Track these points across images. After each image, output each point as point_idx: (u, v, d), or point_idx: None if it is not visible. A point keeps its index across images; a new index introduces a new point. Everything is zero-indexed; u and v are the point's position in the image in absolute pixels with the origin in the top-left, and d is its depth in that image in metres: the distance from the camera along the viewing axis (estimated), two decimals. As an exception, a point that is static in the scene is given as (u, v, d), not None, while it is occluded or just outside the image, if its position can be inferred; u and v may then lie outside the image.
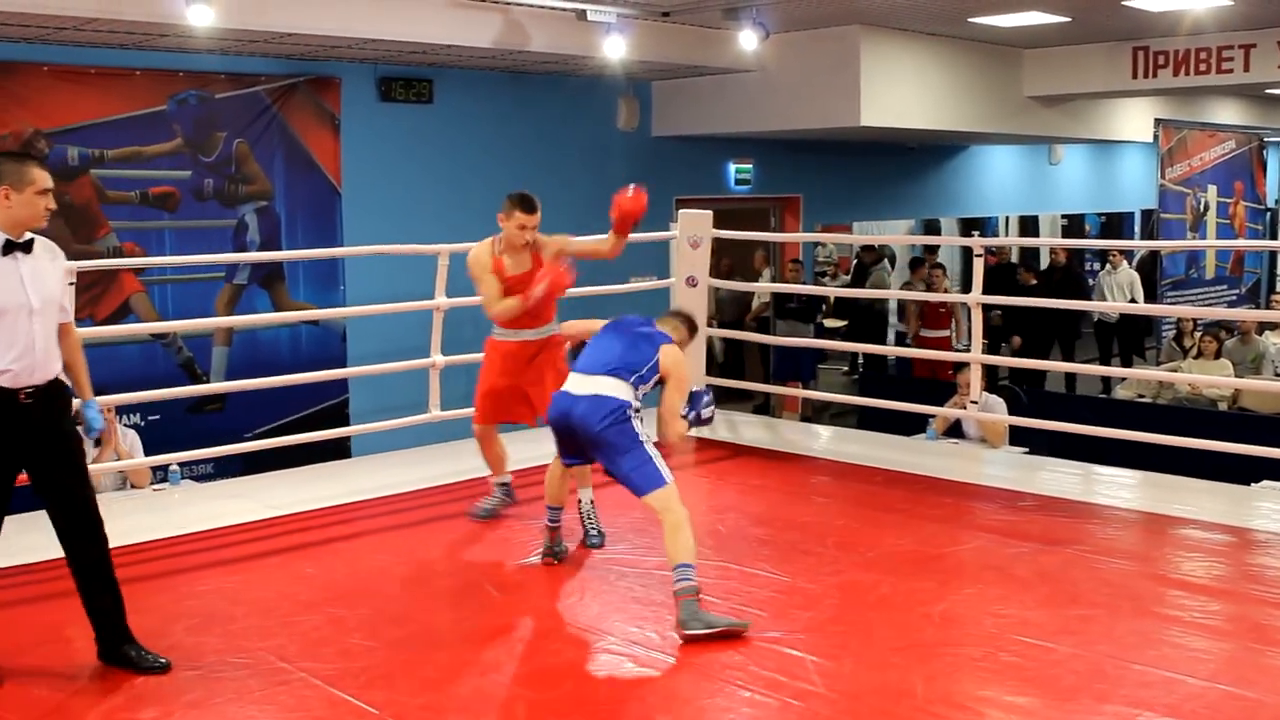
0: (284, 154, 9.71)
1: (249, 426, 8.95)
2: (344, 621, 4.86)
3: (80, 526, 4.41)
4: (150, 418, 8.73)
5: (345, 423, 9.36)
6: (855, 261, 16.10)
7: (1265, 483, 7.20)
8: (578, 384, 5.12)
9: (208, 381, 9.15)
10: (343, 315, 9.62)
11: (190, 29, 7.72)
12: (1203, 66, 11.78)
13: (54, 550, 5.31)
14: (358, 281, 9.94)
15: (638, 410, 5.06)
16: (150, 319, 8.95)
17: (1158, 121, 15.60)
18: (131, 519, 6.26)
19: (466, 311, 7.71)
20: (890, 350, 12.03)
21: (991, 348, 11.58)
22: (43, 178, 4.31)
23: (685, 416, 5.22)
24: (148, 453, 7.34)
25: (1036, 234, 18.33)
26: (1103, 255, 16.05)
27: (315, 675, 4.29)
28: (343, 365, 9.34)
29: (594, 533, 5.84)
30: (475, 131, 10.96)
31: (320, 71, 9.87)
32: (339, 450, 8.62)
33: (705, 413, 5.29)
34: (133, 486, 7.18)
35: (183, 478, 7.25)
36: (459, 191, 10.76)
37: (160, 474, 7.27)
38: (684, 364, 5.30)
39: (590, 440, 5.00)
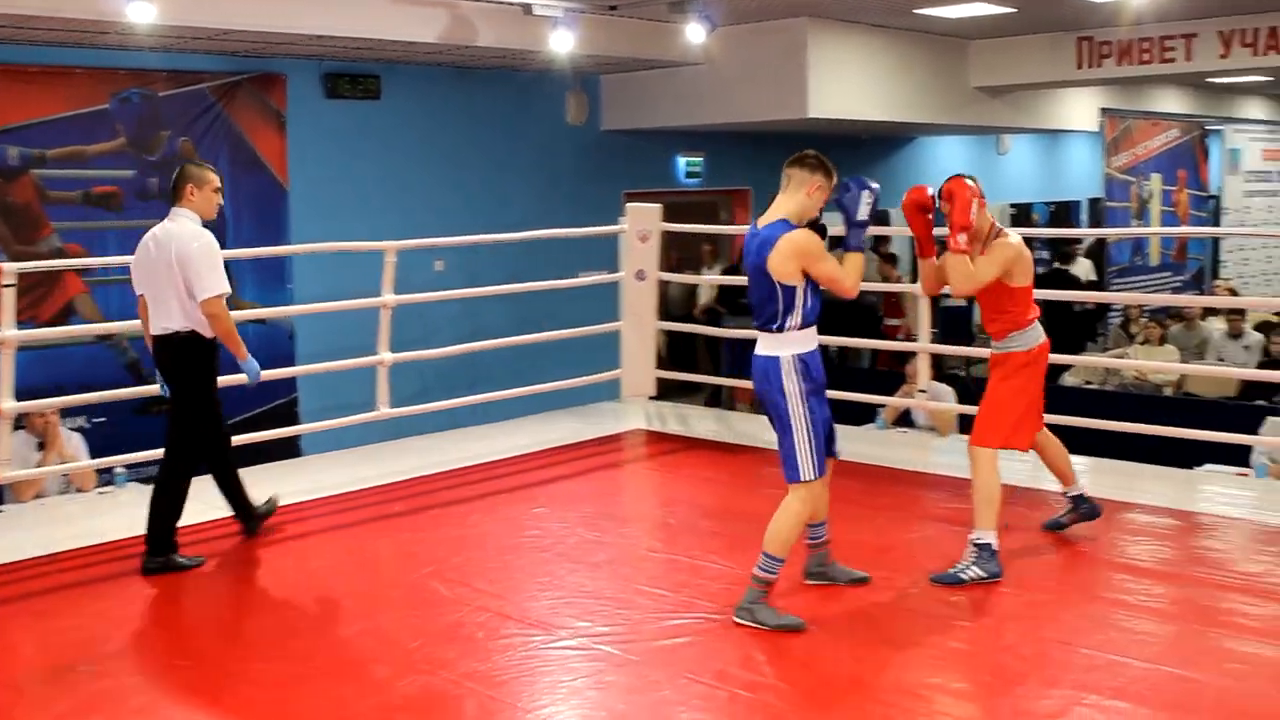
0: (229, 152, 9.62)
1: (197, 427, 8.85)
2: (292, 622, 4.84)
3: None
4: (96, 420, 8.63)
5: (294, 422, 9.29)
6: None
7: (1208, 466, 7.28)
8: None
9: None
10: (290, 314, 9.54)
11: (130, 26, 7.63)
12: (1145, 56, 11.90)
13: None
14: (306, 279, 9.86)
15: (799, 363, 4.60)
16: (94, 320, 8.85)
17: (1103, 111, 15.72)
18: (76, 523, 6.20)
19: (414, 309, 7.70)
20: (833, 340, 12.02)
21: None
22: None
23: (851, 245, 4.67)
24: (94, 455, 7.26)
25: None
26: (1051, 245, 16.17)
27: (263, 677, 4.25)
28: (291, 364, 9.26)
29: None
30: (424, 127, 10.91)
31: (265, 68, 9.79)
32: (288, 450, 8.54)
33: (864, 213, 4.66)
34: (78, 490, 7.10)
35: (129, 480, 7.16)
36: (407, 188, 10.72)
37: (105, 476, 7.18)
38: (806, 243, 4.54)
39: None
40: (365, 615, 4.90)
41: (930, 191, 5.23)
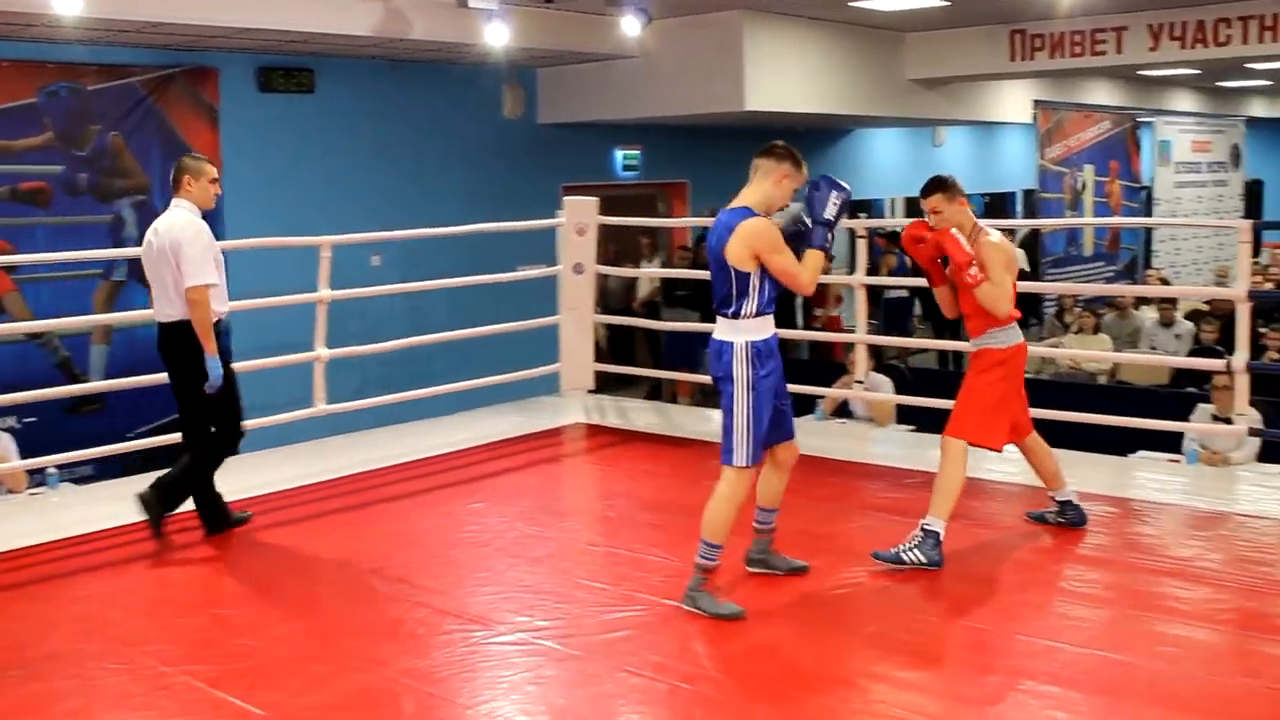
0: (161, 146, 9.50)
1: (130, 426, 8.74)
2: (229, 622, 4.78)
3: None
4: (27, 420, 8.50)
5: (230, 419, 9.17)
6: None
7: (1142, 453, 7.39)
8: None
9: (86, 381, 8.92)
10: (225, 311, 9.40)
11: (57, 18, 7.52)
12: (1077, 49, 12.04)
13: None
14: (240, 275, 9.63)
15: (752, 350, 4.60)
16: (24, 318, 8.71)
17: (1036, 103, 15.90)
18: (7, 524, 6.09)
19: (352, 304, 7.64)
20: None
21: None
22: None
23: (814, 243, 4.66)
24: (24, 456, 7.14)
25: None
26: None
27: (198, 678, 4.20)
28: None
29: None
30: (359, 121, 10.83)
31: (197, 62, 9.67)
32: (225, 448, 8.46)
33: (830, 212, 4.67)
34: (9, 491, 6.98)
35: (61, 480, 7.06)
36: (343, 182, 10.64)
37: (37, 477, 7.08)
38: (763, 231, 4.54)
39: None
40: (303, 613, 4.86)
41: (930, 221, 5.26)
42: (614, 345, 13.84)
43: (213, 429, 5.79)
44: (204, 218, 5.60)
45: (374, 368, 9.00)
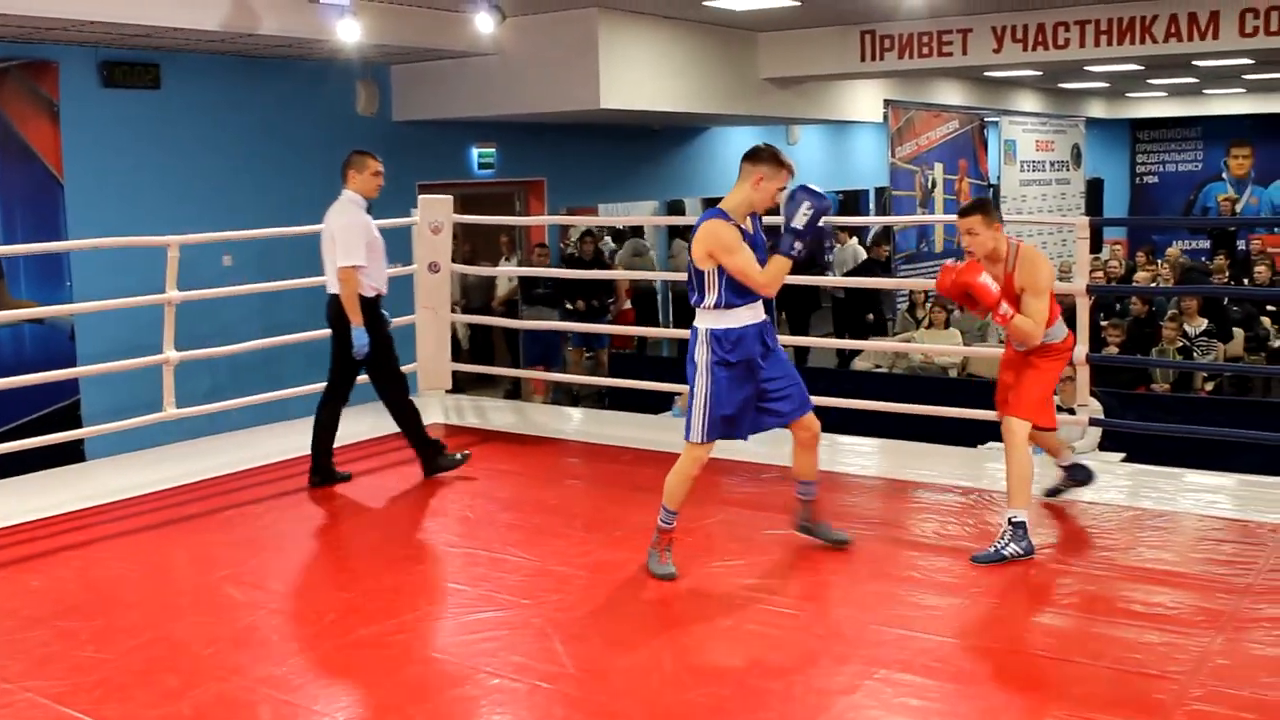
0: (-2, 143, 9.17)
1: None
2: (75, 635, 4.63)
3: None
4: None
5: (77, 425, 8.91)
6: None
7: (991, 444, 7.58)
8: None
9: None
10: (69, 312, 9.14)
11: (-118, 10, 7.21)
12: (925, 50, 12.30)
13: None
14: (85, 277, 9.47)
15: (711, 337, 4.89)
16: None
17: (887, 102, 16.21)
18: None
19: (205, 305, 7.48)
20: (620, 330, 12.11)
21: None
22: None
23: (780, 249, 4.85)
24: None
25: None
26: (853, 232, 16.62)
27: (42, 694, 4.07)
28: (71, 365, 8.88)
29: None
30: (208, 118, 10.57)
31: (35, 55, 9.34)
32: (72, 454, 8.19)
33: (800, 221, 4.85)
34: None
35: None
36: (193, 181, 10.39)
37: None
38: (718, 232, 4.79)
39: None
40: (155, 623, 4.74)
41: (950, 263, 5.38)
42: (475, 345, 13.77)
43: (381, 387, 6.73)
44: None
45: (226, 370, 8.81)
